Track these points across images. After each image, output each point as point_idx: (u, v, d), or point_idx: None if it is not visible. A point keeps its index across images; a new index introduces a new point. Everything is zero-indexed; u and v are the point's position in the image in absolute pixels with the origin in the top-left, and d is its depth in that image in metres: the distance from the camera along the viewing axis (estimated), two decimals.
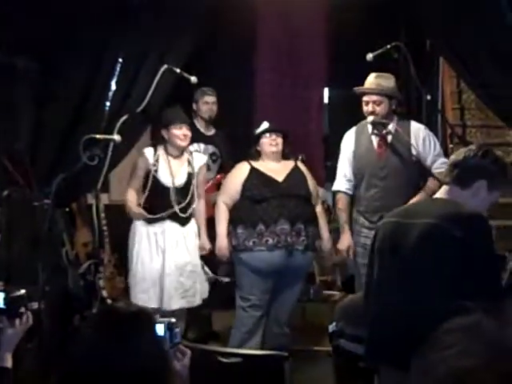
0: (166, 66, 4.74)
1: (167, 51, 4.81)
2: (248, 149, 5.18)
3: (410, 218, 3.01)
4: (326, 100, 7.79)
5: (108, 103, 4.64)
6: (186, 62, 5.02)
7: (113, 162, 4.70)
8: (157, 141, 5.12)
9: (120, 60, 4.60)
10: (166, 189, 4.95)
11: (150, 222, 4.96)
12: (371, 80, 4.89)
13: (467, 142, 6.54)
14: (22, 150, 4.42)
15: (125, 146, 4.82)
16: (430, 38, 6.08)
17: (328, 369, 4.09)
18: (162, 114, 5.02)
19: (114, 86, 4.63)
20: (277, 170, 5.06)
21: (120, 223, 5.09)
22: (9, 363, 2.63)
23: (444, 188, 3.06)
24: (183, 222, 5.01)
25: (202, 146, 5.84)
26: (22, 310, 2.70)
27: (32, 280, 4.13)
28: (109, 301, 5.13)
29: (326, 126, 7.89)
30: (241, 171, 5.07)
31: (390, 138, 4.90)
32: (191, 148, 5.47)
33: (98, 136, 4.46)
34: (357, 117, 5.08)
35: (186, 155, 5.08)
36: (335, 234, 5.35)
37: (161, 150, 5.02)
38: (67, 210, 5.28)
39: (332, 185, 5.27)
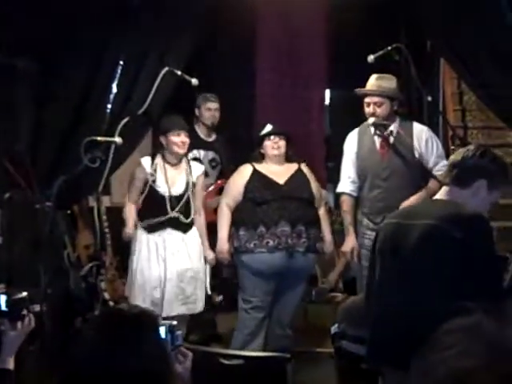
0: (166, 69, 4.73)
1: (167, 52, 4.81)
2: (248, 150, 5.18)
3: (410, 219, 3.02)
4: (327, 101, 7.79)
5: (109, 105, 4.65)
6: (187, 63, 5.02)
7: (114, 164, 4.70)
8: (156, 148, 5.09)
9: (121, 62, 4.61)
10: (163, 198, 4.93)
11: (150, 230, 4.96)
12: (372, 81, 4.89)
13: (468, 143, 6.52)
14: (22, 151, 4.42)
15: (126, 149, 4.82)
16: (430, 39, 6.08)
17: (330, 370, 4.10)
18: (161, 121, 5.00)
19: (115, 89, 4.64)
20: (279, 172, 5.06)
21: (122, 226, 5.09)
22: (11, 365, 2.63)
23: (444, 189, 3.06)
24: (184, 229, 4.99)
25: (202, 152, 5.81)
26: (24, 312, 2.69)
27: (34, 282, 4.13)
28: (110, 303, 5.13)
29: (327, 127, 7.89)
30: (243, 173, 5.07)
31: (391, 138, 4.89)
32: (190, 155, 5.46)
33: (99, 138, 4.46)
34: (358, 118, 5.08)
35: (184, 164, 5.05)
36: (336, 235, 5.36)
37: (159, 159, 4.98)
38: (69, 212, 5.29)
39: (333, 186, 5.27)
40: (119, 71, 4.62)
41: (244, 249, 4.91)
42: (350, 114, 5.69)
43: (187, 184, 4.99)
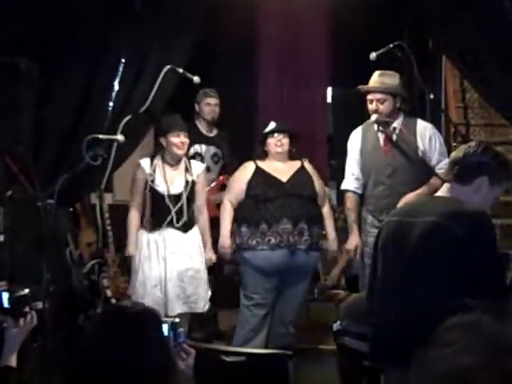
0: (168, 67, 4.73)
1: (168, 51, 4.81)
2: (248, 149, 5.19)
3: (411, 216, 3.01)
4: (329, 99, 7.79)
5: (111, 103, 4.65)
6: (187, 62, 5.01)
7: (116, 162, 4.70)
8: (157, 148, 5.11)
9: (122, 60, 4.61)
10: (163, 197, 4.94)
11: (150, 230, 4.97)
12: (375, 78, 4.88)
13: (470, 140, 6.51)
14: (24, 150, 4.42)
15: (128, 147, 4.82)
16: (432, 37, 6.07)
17: (332, 367, 4.10)
18: (161, 121, 5.02)
19: (116, 87, 4.64)
20: (282, 170, 5.07)
21: (124, 223, 5.09)
22: (13, 362, 2.63)
23: (445, 186, 3.06)
24: (185, 228, 4.99)
25: (204, 147, 5.83)
26: (27, 309, 2.70)
27: (36, 280, 4.13)
28: (113, 300, 5.14)
29: (329, 125, 7.89)
30: (246, 171, 5.09)
31: (394, 136, 4.88)
32: (192, 149, 5.46)
33: (100, 136, 4.46)
34: (360, 116, 5.07)
35: (183, 163, 5.06)
36: (339, 233, 5.35)
37: (158, 160, 5.00)
38: (71, 210, 5.29)
39: (336, 183, 5.26)
40: (121, 69, 4.62)
41: (246, 246, 4.92)
42: (353, 112, 5.69)
43: (186, 183, 5.00)
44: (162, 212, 4.94)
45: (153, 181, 4.95)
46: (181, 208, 4.95)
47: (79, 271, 5.03)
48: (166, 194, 4.93)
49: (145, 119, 4.89)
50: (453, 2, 4.51)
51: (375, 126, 4.94)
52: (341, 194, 5.41)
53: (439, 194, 3.10)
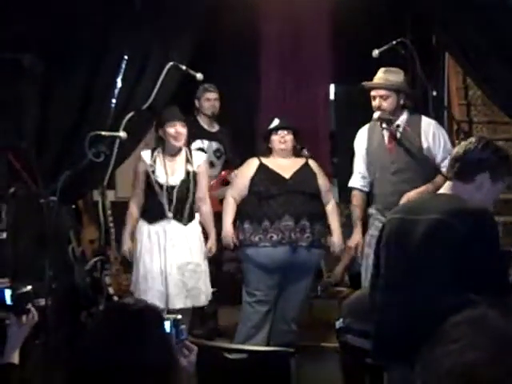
0: (171, 63, 4.73)
1: (168, 51, 4.81)
2: (250, 148, 5.20)
3: (414, 214, 3.01)
4: (332, 96, 7.78)
5: (114, 100, 4.65)
6: (189, 59, 5.01)
7: (119, 158, 4.70)
8: (158, 141, 5.13)
9: (125, 57, 4.61)
10: (163, 188, 4.95)
11: (151, 221, 4.99)
12: (380, 75, 4.87)
13: None
14: (27, 147, 4.42)
15: (131, 143, 4.82)
16: (435, 34, 6.06)
17: (335, 365, 4.11)
18: (160, 115, 5.04)
19: (119, 83, 4.64)
20: (285, 166, 5.07)
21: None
22: (16, 359, 2.63)
23: (448, 183, 3.05)
24: (185, 220, 5.00)
25: (206, 142, 5.85)
26: (29, 306, 2.70)
27: (38, 277, 4.14)
28: (115, 297, 5.14)
29: (332, 123, 7.89)
30: (250, 167, 5.10)
31: (398, 133, 4.87)
32: (195, 145, 5.46)
33: (103, 133, 4.46)
34: (363, 113, 5.07)
35: (184, 154, 5.07)
36: (342, 229, 5.35)
37: (158, 152, 5.03)
38: (73, 206, 5.29)
39: (338, 181, 5.26)
40: (124, 66, 4.62)
41: (248, 242, 4.93)
42: (355, 109, 5.69)
43: (187, 174, 5.00)
44: (161, 203, 4.95)
45: (153, 171, 4.98)
46: (180, 199, 4.95)
47: (81, 268, 5.02)
48: (165, 184, 4.94)
49: (147, 116, 4.90)
50: (453, 1, 4.50)
51: (378, 124, 4.93)
52: (343, 191, 5.40)
53: (441, 191, 3.09)
